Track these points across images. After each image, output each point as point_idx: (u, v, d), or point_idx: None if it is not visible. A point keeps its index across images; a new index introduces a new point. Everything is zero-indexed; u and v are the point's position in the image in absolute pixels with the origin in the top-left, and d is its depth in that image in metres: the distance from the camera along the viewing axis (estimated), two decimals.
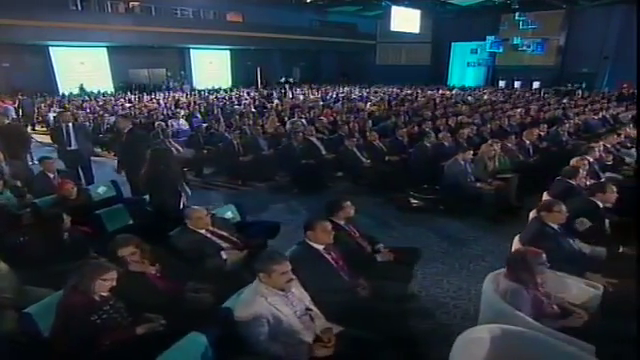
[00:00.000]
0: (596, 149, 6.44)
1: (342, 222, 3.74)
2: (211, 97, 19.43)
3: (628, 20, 25.72)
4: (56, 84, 24.09)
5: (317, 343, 2.58)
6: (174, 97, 18.83)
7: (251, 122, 10.14)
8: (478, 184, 6.00)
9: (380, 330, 2.91)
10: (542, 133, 8.75)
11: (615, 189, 4.13)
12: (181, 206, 4.78)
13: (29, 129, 14.67)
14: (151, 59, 27.42)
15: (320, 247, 3.22)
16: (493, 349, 2.41)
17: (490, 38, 30.07)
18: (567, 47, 29.66)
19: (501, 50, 30.55)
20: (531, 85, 29.42)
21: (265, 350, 2.45)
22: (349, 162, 7.37)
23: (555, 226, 3.54)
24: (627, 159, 7.76)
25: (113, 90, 25.01)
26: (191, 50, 28.66)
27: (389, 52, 36.38)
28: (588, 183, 5.63)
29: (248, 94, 21.62)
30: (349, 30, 34.83)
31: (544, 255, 2.83)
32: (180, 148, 8.18)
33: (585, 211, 4.11)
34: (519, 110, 12.89)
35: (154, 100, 17.26)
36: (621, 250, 3.90)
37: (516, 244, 3.64)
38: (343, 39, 33.77)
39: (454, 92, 23.47)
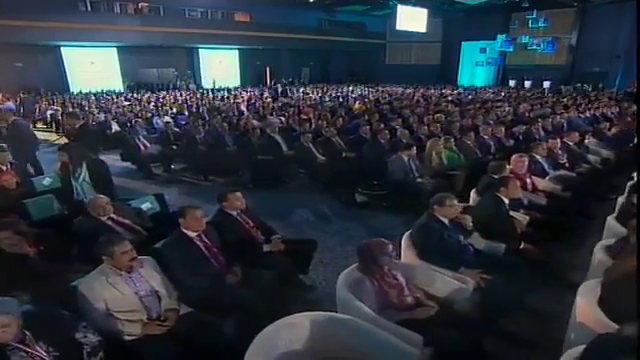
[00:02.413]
0: (545, 146, 6.38)
1: (234, 212, 3.83)
2: (210, 96, 19.68)
3: None
4: (67, 83, 24.83)
5: (154, 321, 2.70)
6: (174, 96, 19.13)
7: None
8: (419, 180, 6.01)
9: (239, 314, 3.02)
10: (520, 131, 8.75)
11: (518, 184, 4.12)
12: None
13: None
14: (160, 59, 27.97)
15: (192, 234, 3.33)
16: (310, 334, 2.50)
17: (501, 37, 29.67)
18: (578, 46, 29.08)
19: (511, 49, 30.13)
20: (541, 84, 28.87)
21: (101, 325, 2.58)
22: (304, 158, 7.45)
23: (445, 220, 3.56)
24: (592, 157, 7.69)
25: (122, 89, 25.56)
26: (200, 50, 29.13)
27: (399, 52, 36.20)
28: (528, 180, 5.68)
29: (251, 93, 21.87)
30: (358, 30, 34.80)
31: (390, 246, 2.88)
32: (147, 144, 8.40)
33: (488, 206, 4.13)
34: (507, 108, 12.75)
35: (150, 99, 17.59)
36: (522, 246, 3.92)
37: (405, 239, 3.68)
38: (352, 39, 33.76)
39: (457, 91, 23.22)
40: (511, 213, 4.46)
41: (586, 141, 8.79)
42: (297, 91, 23.29)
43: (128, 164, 8.95)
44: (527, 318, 3.47)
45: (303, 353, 2.45)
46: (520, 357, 3.12)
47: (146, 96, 19.01)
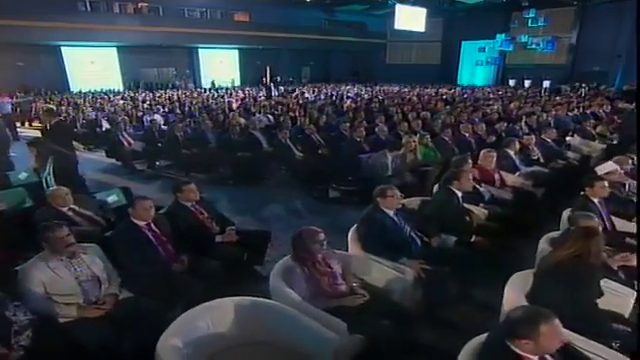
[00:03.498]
0: (517, 142, 6.44)
1: (188, 203, 3.92)
2: (205, 95, 19.84)
3: None
4: (67, 83, 25.09)
5: (91, 305, 2.80)
6: (170, 95, 19.29)
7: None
8: (389, 175, 6.07)
9: (182, 301, 3.10)
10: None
11: (471, 177, 4.19)
12: None
13: (26, 124, 15.59)
14: (160, 58, 28.19)
15: (141, 223, 3.42)
16: (234, 318, 2.60)
17: (500, 36, 29.57)
18: (578, 45, 29.02)
19: (511, 49, 30.04)
20: (541, 84, 28.77)
21: (38, 307, 2.69)
22: (283, 155, 7.54)
23: (390, 212, 3.63)
24: (572, 154, 7.74)
25: (122, 89, 25.78)
26: (200, 50, 29.33)
27: (399, 51, 36.25)
28: (496, 176, 5.73)
29: (248, 92, 22.02)
30: (359, 29, 34.88)
31: (322, 235, 2.95)
32: (131, 141, 8.52)
33: (440, 199, 4.20)
34: (495, 107, 12.77)
35: (145, 98, 17.76)
36: (474, 239, 3.97)
37: (352, 231, 3.75)
38: (352, 38, 33.87)
39: (453, 90, 23.25)
40: (470, 207, 4.54)
41: (568, 138, 8.86)
42: (295, 90, 23.38)
43: (114, 161, 9.07)
44: (469, 309, 3.53)
45: (226, 336, 2.54)
46: (453, 347, 3.18)
47: (142, 95, 19.12)
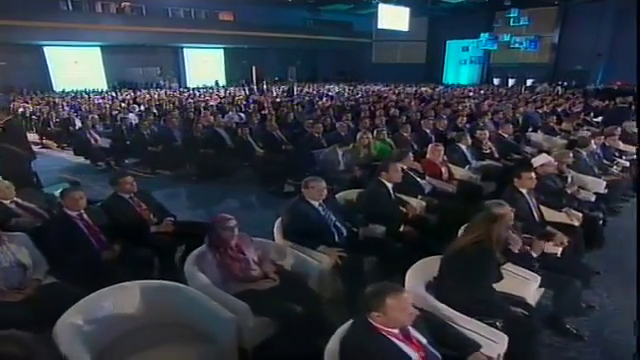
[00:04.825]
0: (468, 137, 6.60)
1: (126, 195, 4.04)
2: (186, 94, 19.91)
3: (621, 17, 25.34)
4: (51, 82, 25.01)
5: (15, 290, 2.91)
6: (150, 94, 19.37)
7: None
8: (341, 169, 6.21)
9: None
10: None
11: (400, 169, 4.33)
12: None
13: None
14: (145, 58, 28.20)
15: (73, 213, 3.54)
16: (140, 299, 2.72)
17: (485, 35, 29.91)
18: (560, 44, 29.39)
19: (495, 48, 30.38)
20: (525, 82, 29.10)
21: None
22: (244, 151, 7.66)
23: (315, 202, 3.75)
24: (530, 149, 7.92)
25: (106, 88, 25.73)
26: (185, 49, 29.34)
27: (385, 51, 36.42)
28: (443, 169, 5.86)
29: (230, 91, 22.11)
30: (344, 29, 35.05)
31: (233, 221, 3.08)
32: (98, 138, 8.60)
33: (370, 190, 4.35)
34: (468, 104, 12.97)
35: (125, 97, 17.83)
36: (402, 229, 4.10)
37: (278, 221, 3.88)
38: (338, 38, 34.00)
39: (433, 89, 23.48)
40: (408, 198, 4.69)
41: (529, 134, 9.07)
42: (277, 89, 23.53)
43: (83, 159, 9.14)
44: None
45: (132, 317, 2.66)
46: None
47: (122, 95, 19.18)
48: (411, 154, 5.28)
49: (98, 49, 26.04)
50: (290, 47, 32.61)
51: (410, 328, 2.08)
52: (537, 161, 4.99)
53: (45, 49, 24.41)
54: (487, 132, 7.19)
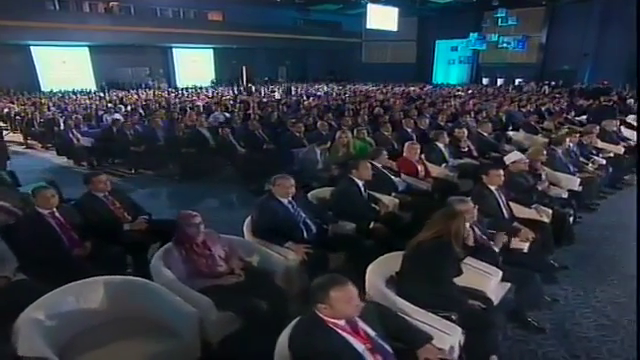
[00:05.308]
0: (445, 135, 6.69)
1: (100, 194, 4.07)
2: (173, 94, 19.91)
3: (607, 17, 25.69)
4: (38, 82, 24.85)
5: None
6: (137, 95, 19.34)
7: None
8: (319, 168, 6.27)
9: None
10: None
11: (369, 167, 4.40)
12: None
13: None
14: (134, 58, 28.11)
15: (45, 211, 3.58)
16: (104, 295, 2.77)
17: (473, 35, 30.13)
18: (548, 44, 29.65)
19: (484, 47, 30.62)
20: (513, 82, 29.36)
21: None
22: (225, 150, 7.70)
23: (284, 200, 3.81)
24: (509, 147, 8.00)
25: (95, 88, 25.61)
26: (174, 49, 29.28)
27: (375, 50, 36.55)
28: (420, 167, 5.93)
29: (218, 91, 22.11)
30: (334, 29, 35.11)
31: (198, 218, 3.13)
32: (80, 137, 8.61)
33: (340, 188, 4.42)
34: (453, 103, 13.10)
35: (112, 97, 17.80)
36: (372, 226, 4.16)
37: (248, 219, 3.94)
38: (328, 37, 34.11)
39: (420, 88, 23.66)
40: (381, 196, 4.76)
41: (510, 132, 9.19)
42: (267, 89, 23.58)
43: (66, 159, 9.14)
44: None
45: (95, 312, 2.71)
46: None
47: (109, 95, 19.14)
48: (385, 152, 5.35)
49: (86, 49, 25.94)
50: (280, 47, 32.67)
51: (359, 321, 2.13)
52: (509, 158, 5.09)
53: (32, 49, 24.29)
54: (465, 131, 7.28)
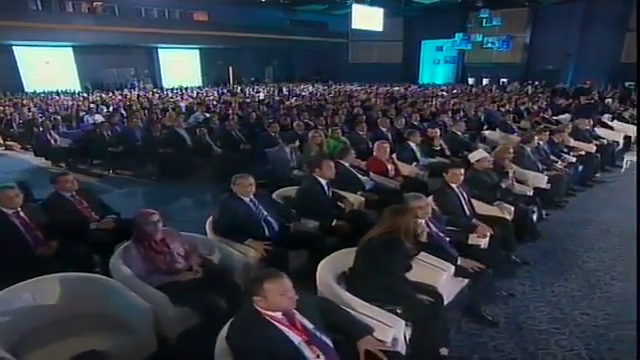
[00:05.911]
0: (417, 134, 6.81)
1: (67, 194, 4.12)
2: (157, 95, 19.88)
3: (589, 18, 26.13)
4: (22, 83, 24.57)
5: None
6: (121, 96, 19.29)
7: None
8: (292, 167, 6.36)
9: None
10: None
11: (333, 166, 4.49)
12: None
13: None
14: (119, 58, 27.83)
15: (9, 211, 3.62)
16: (60, 291, 2.82)
17: (459, 36, 30.37)
18: (532, 44, 29.92)
19: (469, 47, 30.87)
20: (498, 82, 29.65)
21: None
22: (202, 150, 7.76)
23: (246, 198, 3.88)
24: (483, 145, 8.14)
25: (80, 89, 25.39)
26: (159, 50, 29.11)
27: (361, 50, 36.59)
28: (390, 166, 6.03)
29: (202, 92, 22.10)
30: (320, 29, 35.08)
31: (155, 216, 3.20)
32: (58, 138, 8.62)
33: (304, 187, 4.51)
34: (434, 103, 13.26)
35: (94, 98, 17.75)
36: (334, 224, 4.24)
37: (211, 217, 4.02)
38: (314, 38, 34.05)
39: (405, 88, 23.85)
40: (346, 194, 4.85)
41: (484, 131, 9.34)
42: (252, 90, 23.60)
43: (44, 160, 9.13)
44: (308, 284, 3.80)
45: (51, 308, 2.76)
46: None
47: (92, 96, 19.05)
48: (353, 151, 5.45)
49: (70, 49, 25.66)
50: (266, 47, 32.58)
51: (297, 313, 2.21)
52: (473, 157, 5.21)
53: (15, 49, 23.92)
54: (438, 130, 7.41)
